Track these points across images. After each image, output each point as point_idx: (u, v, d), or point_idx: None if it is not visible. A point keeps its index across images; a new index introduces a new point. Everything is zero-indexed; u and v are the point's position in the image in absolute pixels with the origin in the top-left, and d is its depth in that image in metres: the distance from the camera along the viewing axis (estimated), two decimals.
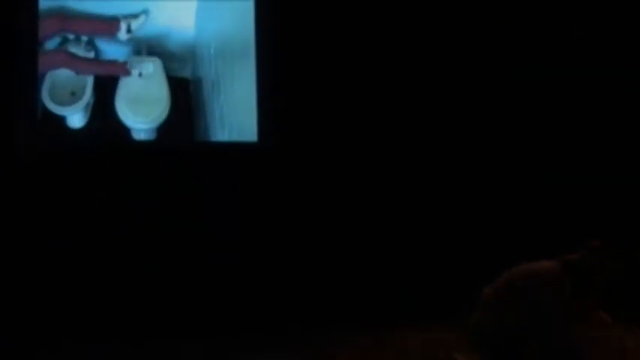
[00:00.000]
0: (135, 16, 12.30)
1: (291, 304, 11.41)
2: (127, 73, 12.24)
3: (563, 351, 6.75)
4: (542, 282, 6.70)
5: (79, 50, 12.27)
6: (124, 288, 11.64)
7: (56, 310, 11.27)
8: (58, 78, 12.29)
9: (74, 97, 12.27)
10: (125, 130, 12.38)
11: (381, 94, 12.47)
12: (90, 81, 12.29)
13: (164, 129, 12.43)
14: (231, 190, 12.30)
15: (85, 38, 12.27)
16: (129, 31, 12.28)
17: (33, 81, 12.25)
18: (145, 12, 12.31)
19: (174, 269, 11.98)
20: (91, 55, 12.30)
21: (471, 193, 12.50)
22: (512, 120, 12.67)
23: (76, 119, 12.32)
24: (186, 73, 12.54)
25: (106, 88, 12.33)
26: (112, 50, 12.39)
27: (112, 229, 12.09)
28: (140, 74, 12.21)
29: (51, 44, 12.27)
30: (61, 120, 12.32)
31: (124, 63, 12.25)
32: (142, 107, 12.39)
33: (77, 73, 12.23)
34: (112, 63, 12.30)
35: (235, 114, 12.53)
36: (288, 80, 12.40)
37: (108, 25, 12.30)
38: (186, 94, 12.52)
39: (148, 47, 12.43)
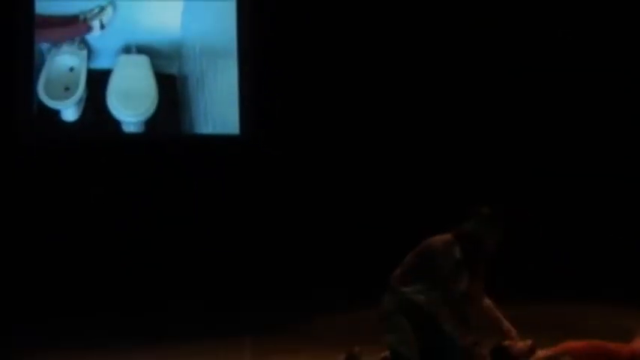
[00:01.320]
0: (102, 9, 12.37)
1: (271, 283, 11.49)
2: (89, 29, 12.37)
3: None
4: (435, 251, 6.77)
5: (72, 48, 12.41)
6: (113, 264, 11.79)
7: (47, 286, 11.37)
8: (52, 74, 12.44)
9: (68, 92, 12.45)
10: (116, 123, 12.53)
11: (355, 89, 12.58)
12: (83, 77, 12.41)
13: (152, 122, 12.58)
14: (215, 179, 12.46)
15: (77, 37, 12.43)
16: (102, 27, 12.40)
17: (29, 77, 12.40)
18: (111, 2, 12.41)
19: (162, 249, 12.08)
20: (84, 54, 12.43)
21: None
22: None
23: (69, 113, 12.49)
24: (173, 70, 12.66)
25: (97, 83, 12.45)
26: (103, 48, 12.50)
27: (104, 214, 12.24)
28: (102, 26, 12.25)
29: (44, 46, 12.46)
30: (56, 113, 12.46)
31: (84, 20, 12.29)
32: (131, 102, 12.55)
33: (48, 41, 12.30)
34: (72, 21, 12.31)
35: (219, 108, 12.71)
36: (267, 77, 12.55)
37: (76, 27, 12.39)
38: (172, 89, 12.64)
39: (138, 46, 12.56)
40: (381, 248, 11.39)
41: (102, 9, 12.45)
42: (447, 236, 6.91)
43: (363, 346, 7.87)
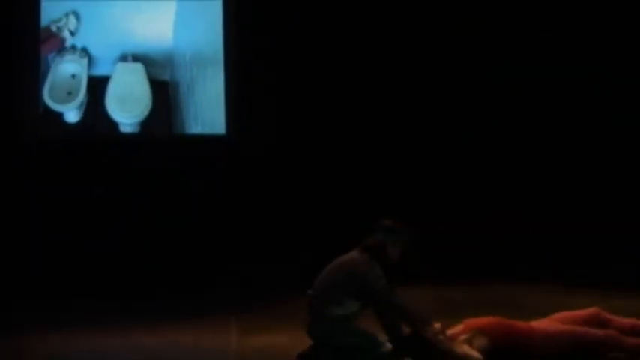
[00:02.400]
0: (66, 16, 12.32)
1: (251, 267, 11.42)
2: (63, 41, 12.30)
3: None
4: (366, 273, 6.80)
5: (74, 57, 12.39)
6: (113, 254, 11.75)
7: (47, 275, 11.34)
8: (56, 80, 12.41)
9: (70, 96, 12.42)
10: (113, 124, 12.52)
11: (329, 95, 12.52)
12: (84, 83, 12.39)
13: (147, 123, 12.58)
14: (203, 174, 12.47)
15: (79, 47, 12.42)
16: (72, 34, 12.33)
17: (36, 83, 12.39)
18: (73, 12, 12.36)
19: (157, 237, 12.09)
20: (85, 62, 12.41)
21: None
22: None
23: (72, 115, 12.48)
24: (165, 76, 12.61)
25: (97, 89, 12.44)
26: (102, 57, 12.48)
27: (103, 206, 12.27)
28: (72, 34, 12.16)
29: (50, 55, 12.43)
30: (59, 116, 12.46)
31: (57, 31, 12.23)
32: (127, 105, 12.54)
33: None
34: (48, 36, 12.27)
35: (207, 111, 12.67)
36: (250, 83, 12.52)
37: (50, 42, 12.39)
38: (165, 94, 12.60)
39: (133, 54, 12.51)
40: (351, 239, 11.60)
41: (67, 16, 12.39)
42: (361, 255, 6.93)
43: None
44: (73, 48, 12.52)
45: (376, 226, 7.07)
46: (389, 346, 6.84)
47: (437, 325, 6.83)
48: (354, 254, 7.02)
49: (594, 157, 12.71)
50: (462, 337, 6.96)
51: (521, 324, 7.14)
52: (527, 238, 12.21)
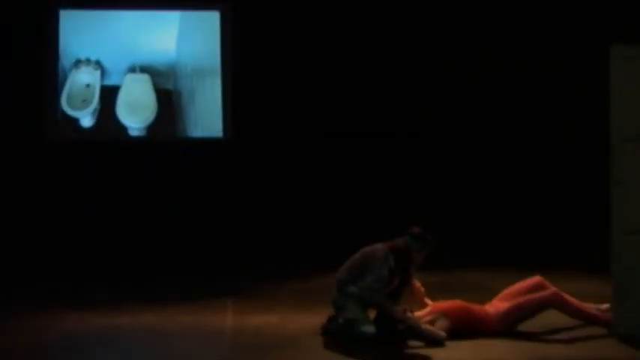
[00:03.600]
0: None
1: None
2: None
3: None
4: (378, 260, 7.01)
5: (89, 69, 12.43)
6: (122, 242, 11.83)
7: (59, 259, 11.36)
8: (73, 89, 12.43)
9: (85, 103, 12.46)
10: (123, 129, 12.58)
11: (313, 102, 12.50)
12: (97, 92, 12.43)
13: (152, 128, 12.63)
14: (202, 172, 12.49)
15: (93, 60, 12.46)
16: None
17: (55, 92, 12.45)
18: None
19: (158, 225, 12.15)
20: (98, 73, 12.43)
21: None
22: None
23: (86, 120, 12.52)
24: (169, 86, 12.63)
25: (109, 97, 12.48)
26: (113, 69, 12.51)
27: (112, 199, 12.32)
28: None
29: (67, 67, 12.46)
30: (75, 121, 12.51)
31: None
32: (136, 111, 12.58)
33: None
34: None
35: (206, 117, 12.70)
36: (244, 92, 12.54)
37: None
38: (169, 101, 12.62)
39: (141, 66, 12.55)
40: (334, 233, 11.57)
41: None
42: (384, 247, 7.11)
43: (317, 306, 8.05)
44: (88, 61, 12.54)
45: (406, 232, 7.20)
46: (373, 329, 7.00)
47: (401, 308, 7.06)
48: (379, 245, 7.21)
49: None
50: (427, 318, 7.14)
51: (477, 308, 7.30)
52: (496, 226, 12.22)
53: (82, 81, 12.57)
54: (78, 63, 12.55)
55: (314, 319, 7.63)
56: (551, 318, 7.53)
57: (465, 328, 7.11)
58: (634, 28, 11.03)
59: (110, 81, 12.63)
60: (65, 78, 12.55)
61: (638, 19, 11.26)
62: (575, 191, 12.47)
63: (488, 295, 7.71)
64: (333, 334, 7.21)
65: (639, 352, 6.80)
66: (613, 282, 7.19)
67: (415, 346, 6.96)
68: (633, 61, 7.18)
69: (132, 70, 12.63)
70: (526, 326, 7.36)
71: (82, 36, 12.58)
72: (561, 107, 12.58)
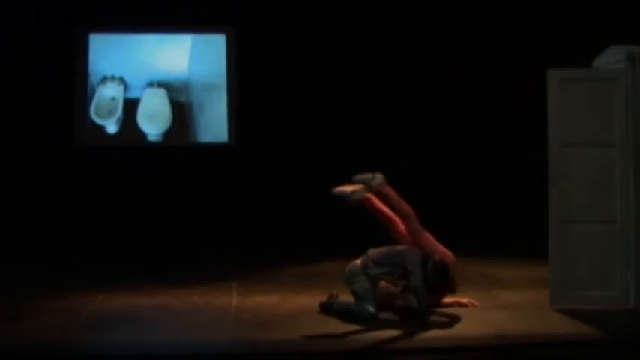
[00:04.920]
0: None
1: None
2: None
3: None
4: (412, 258, 7.11)
5: (113, 84, 12.45)
6: (142, 234, 11.67)
7: (82, 248, 11.29)
8: (100, 102, 12.48)
9: (110, 113, 12.53)
10: (143, 135, 12.65)
11: (309, 111, 12.41)
12: (120, 104, 12.48)
13: (168, 134, 12.68)
14: (210, 173, 12.48)
15: (117, 76, 12.52)
16: None
17: (84, 104, 12.52)
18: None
19: (173, 220, 12.05)
20: (121, 88, 12.48)
21: None
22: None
23: (111, 128, 12.61)
24: (182, 98, 12.65)
25: (130, 108, 12.53)
26: (134, 84, 12.55)
27: (133, 196, 12.28)
28: None
29: (95, 82, 12.50)
30: (102, 128, 12.60)
31: None
32: (154, 120, 12.64)
33: None
34: None
35: (213, 125, 12.71)
36: (247, 103, 12.57)
37: None
38: (182, 112, 12.66)
39: (158, 82, 12.58)
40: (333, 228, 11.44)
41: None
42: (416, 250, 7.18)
43: (312, 289, 8.16)
44: (113, 77, 12.59)
45: (435, 262, 7.11)
46: (374, 309, 7.04)
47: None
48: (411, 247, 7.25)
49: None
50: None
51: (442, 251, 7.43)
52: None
53: (108, 94, 12.62)
54: (104, 79, 12.61)
55: (311, 299, 7.71)
56: (507, 297, 7.80)
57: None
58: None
59: (132, 94, 12.66)
60: (93, 92, 12.61)
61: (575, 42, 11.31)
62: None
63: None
64: (330, 312, 7.26)
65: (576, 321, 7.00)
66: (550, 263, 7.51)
67: (392, 322, 7.07)
68: (568, 82, 7.54)
69: (150, 84, 12.66)
70: (490, 305, 7.57)
71: (108, 56, 12.63)
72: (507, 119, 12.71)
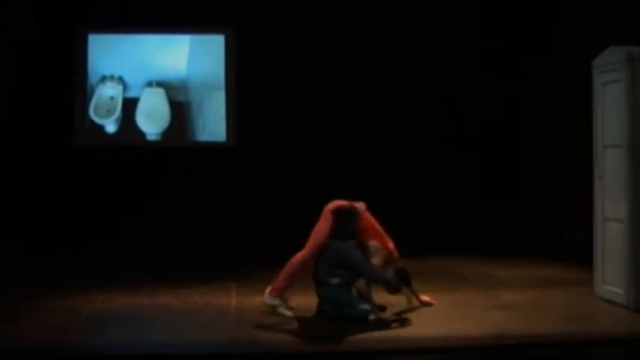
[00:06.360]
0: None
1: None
2: None
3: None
4: (347, 251, 7.22)
5: (113, 83, 12.39)
6: (143, 234, 11.72)
7: (86, 247, 11.29)
8: (99, 101, 12.42)
9: (109, 113, 12.46)
10: (142, 134, 12.59)
11: (307, 111, 12.37)
12: (119, 103, 12.40)
13: (167, 133, 12.61)
14: (209, 172, 12.46)
15: (116, 76, 12.44)
16: None
17: (84, 103, 12.45)
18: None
19: (170, 218, 12.03)
20: (120, 87, 12.41)
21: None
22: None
23: (110, 127, 12.54)
24: (181, 98, 12.59)
25: (129, 107, 12.47)
26: (134, 83, 12.47)
27: (132, 195, 12.26)
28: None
29: (94, 81, 12.43)
30: (101, 127, 12.52)
31: None
32: (152, 120, 12.58)
33: None
34: None
35: (211, 124, 12.66)
36: (245, 103, 12.52)
37: None
38: (180, 111, 12.60)
39: (157, 81, 12.52)
40: None
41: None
42: (339, 242, 7.29)
43: (311, 289, 7.88)
44: (112, 77, 12.54)
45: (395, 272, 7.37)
46: (369, 307, 7.08)
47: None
48: (334, 242, 7.38)
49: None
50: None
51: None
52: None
53: (107, 94, 12.56)
54: (103, 79, 12.55)
55: (307, 299, 7.67)
56: (507, 297, 7.70)
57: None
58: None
59: (131, 94, 12.60)
60: (93, 91, 12.55)
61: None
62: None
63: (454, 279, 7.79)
64: (326, 316, 7.24)
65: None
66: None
67: (390, 323, 7.06)
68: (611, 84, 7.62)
69: (149, 84, 12.61)
70: (490, 305, 7.52)
71: (107, 56, 12.57)
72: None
